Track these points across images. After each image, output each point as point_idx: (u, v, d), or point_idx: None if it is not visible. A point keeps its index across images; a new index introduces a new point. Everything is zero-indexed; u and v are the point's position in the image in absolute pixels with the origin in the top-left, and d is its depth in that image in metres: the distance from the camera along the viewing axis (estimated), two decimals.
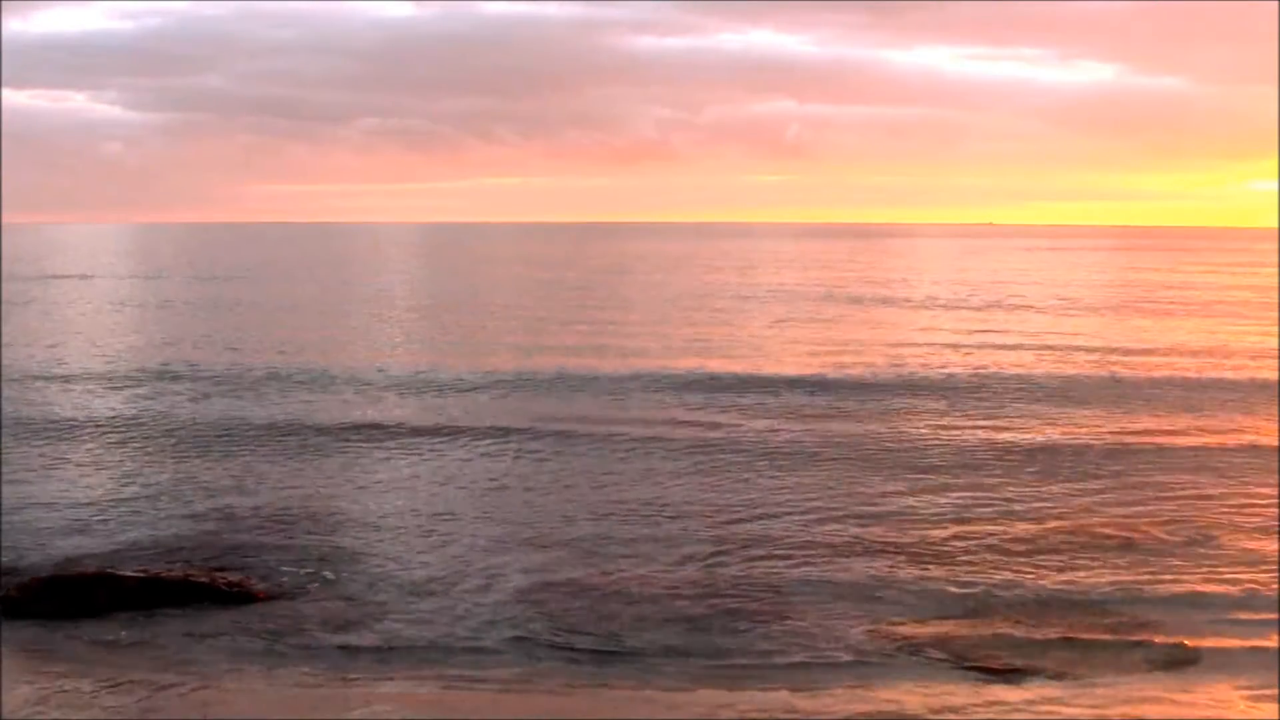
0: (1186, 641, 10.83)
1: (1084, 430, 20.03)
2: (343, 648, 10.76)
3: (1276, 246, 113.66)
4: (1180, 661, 10.48)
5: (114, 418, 21.65)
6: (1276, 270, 70.63)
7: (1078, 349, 31.10)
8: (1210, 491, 16.17)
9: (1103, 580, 12.53)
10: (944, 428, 20.25)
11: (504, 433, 20.06)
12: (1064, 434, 19.55)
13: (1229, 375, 26.06)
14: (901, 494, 16.06)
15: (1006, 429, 20.09)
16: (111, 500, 15.85)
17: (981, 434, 19.78)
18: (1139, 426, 20.29)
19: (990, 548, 13.71)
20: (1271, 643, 10.81)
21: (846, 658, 10.52)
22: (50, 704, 9.49)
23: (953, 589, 12.28)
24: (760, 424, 20.77)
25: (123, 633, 11.10)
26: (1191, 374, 26.29)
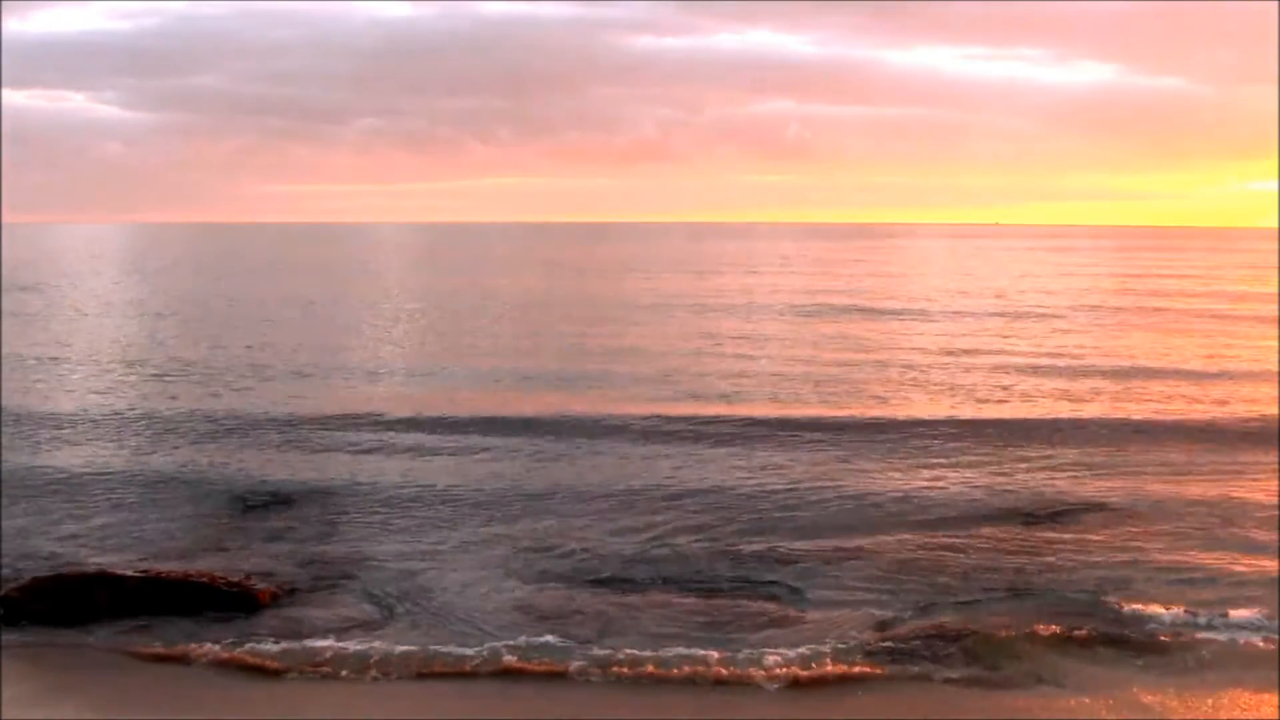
0: (1185, 642, 10.86)
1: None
2: (342, 649, 10.74)
3: (1277, 246, 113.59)
4: (1179, 663, 10.49)
5: (115, 418, 21.63)
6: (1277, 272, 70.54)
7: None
8: (1209, 493, 16.19)
9: (1098, 581, 12.55)
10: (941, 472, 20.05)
11: (499, 442, 20.05)
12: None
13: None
14: (892, 504, 16.08)
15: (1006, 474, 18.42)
16: (112, 500, 15.84)
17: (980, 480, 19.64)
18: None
19: (985, 552, 13.73)
20: (1271, 644, 10.81)
21: (845, 659, 10.51)
22: (49, 706, 9.48)
23: (950, 591, 12.30)
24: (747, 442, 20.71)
25: (122, 635, 11.10)
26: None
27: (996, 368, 27.87)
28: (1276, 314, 41.04)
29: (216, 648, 10.71)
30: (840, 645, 10.75)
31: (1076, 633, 11.02)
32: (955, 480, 16.83)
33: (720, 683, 10.06)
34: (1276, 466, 17.30)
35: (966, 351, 30.89)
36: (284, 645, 10.78)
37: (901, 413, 22.06)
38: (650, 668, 10.29)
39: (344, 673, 10.30)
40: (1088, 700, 9.71)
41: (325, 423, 20.95)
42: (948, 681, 10.08)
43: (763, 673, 10.21)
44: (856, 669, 10.31)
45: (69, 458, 18.41)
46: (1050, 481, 16.76)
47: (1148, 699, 9.73)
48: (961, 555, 13.46)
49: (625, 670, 10.25)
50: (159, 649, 10.75)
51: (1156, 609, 11.60)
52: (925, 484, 16.59)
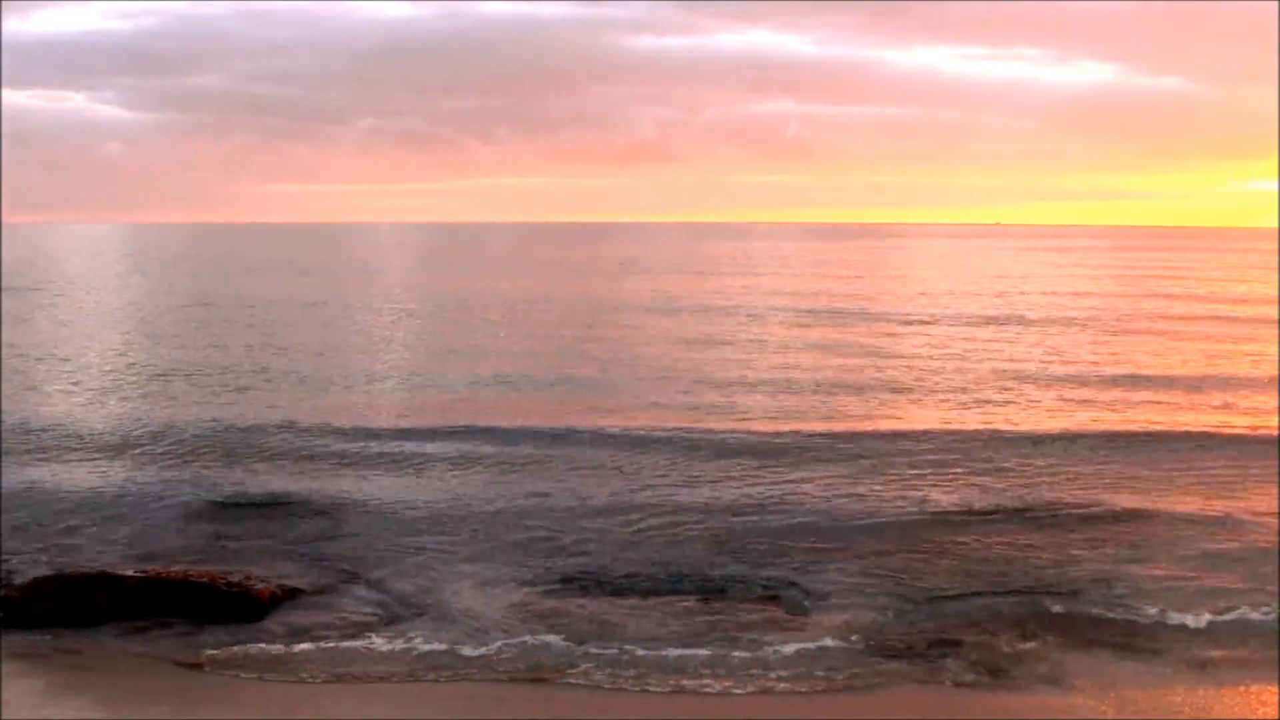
0: (1185, 642, 10.89)
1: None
2: (343, 649, 10.78)
3: (1277, 246, 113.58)
4: (1179, 663, 10.51)
5: (116, 420, 21.66)
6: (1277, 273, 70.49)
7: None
8: (1210, 498, 16.20)
9: (1098, 582, 12.56)
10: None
11: (499, 448, 20.04)
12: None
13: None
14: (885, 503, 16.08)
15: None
16: (112, 501, 15.85)
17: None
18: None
19: (985, 554, 13.74)
20: (1271, 644, 10.83)
21: (845, 660, 10.54)
22: (50, 706, 9.49)
23: (950, 593, 12.32)
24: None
25: (122, 635, 11.11)
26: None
27: (998, 373, 27.83)
28: (1277, 316, 40.99)
29: (217, 648, 10.73)
30: (840, 646, 10.78)
31: (1077, 633, 11.05)
32: (955, 484, 16.82)
33: (721, 683, 10.08)
34: (1276, 472, 17.28)
35: (968, 357, 30.86)
36: (285, 646, 10.80)
37: (902, 418, 22.07)
38: (651, 668, 10.32)
39: (345, 673, 10.32)
40: (1088, 700, 9.72)
41: (326, 427, 20.91)
42: (948, 682, 10.10)
43: (763, 673, 10.23)
44: (857, 669, 10.33)
45: (69, 459, 18.43)
46: (1050, 486, 16.75)
47: (1148, 698, 9.75)
48: (961, 557, 13.48)
49: (626, 671, 10.28)
50: (159, 649, 10.77)
51: (1157, 610, 11.63)
52: (925, 488, 16.59)
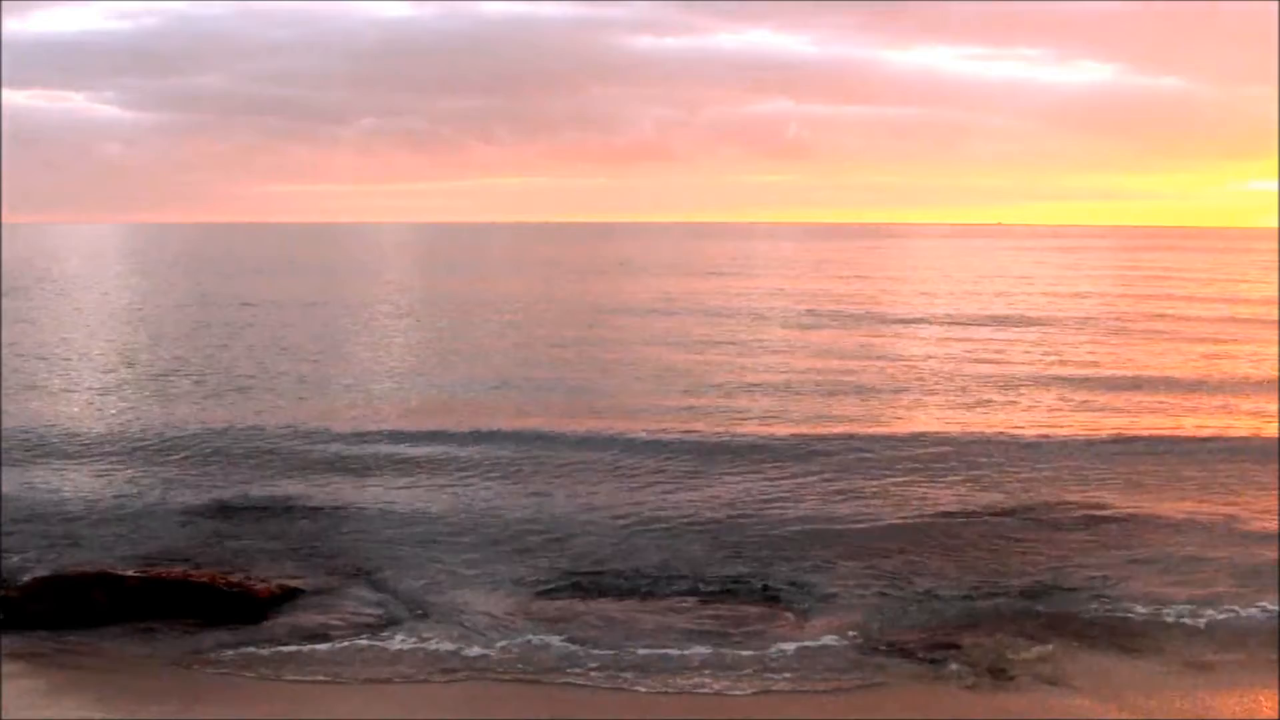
0: (1184, 643, 10.89)
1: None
2: (343, 649, 10.78)
3: (1276, 246, 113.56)
4: (1179, 664, 10.51)
5: (115, 421, 21.65)
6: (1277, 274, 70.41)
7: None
8: (1210, 501, 16.20)
9: (1097, 582, 12.56)
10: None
11: (500, 451, 20.03)
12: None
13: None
14: (885, 500, 16.07)
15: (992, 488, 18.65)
16: (112, 501, 15.85)
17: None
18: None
19: (984, 555, 13.75)
20: (1271, 645, 10.84)
21: (845, 660, 10.54)
22: (49, 706, 9.50)
23: (950, 593, 12.31)
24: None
25: (122, 635, 11.11)
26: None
27: (998, 374, 27.84)
28: (1277, 317, 40.96)
29: (217, 648, 10.73)
30: (841, 646, 10.79)
31: (1077, 633, 11.05)
32: (954, 484, 16.83)
33: (720, 683, 10.09)
34: (1276, 474, 17.27)
35: (968, 357, 30.87)
36: (285, 646, 10.80)
37: (902, 418, 22.08)
38: (651, 668, 10.32)
39: (345, 673, 10.32)
40: (1088, 700, 9.73)
41: (326, 427, 20.93)
42: (948, 681, 10.10)
43: (763, 673, 10.24)
44: (857, 669, 10.34)
45: (69, 459, 18.42)
46: (1050, 486, 16.76)
47: (1148, 699, 9.76)
48: (961, 557, 13.49)
49: (626, 671, 10.28)
50: (159, 649, 10.77)
51: (1156, 610, 11.64)
52: (925, 488, 16.59)
